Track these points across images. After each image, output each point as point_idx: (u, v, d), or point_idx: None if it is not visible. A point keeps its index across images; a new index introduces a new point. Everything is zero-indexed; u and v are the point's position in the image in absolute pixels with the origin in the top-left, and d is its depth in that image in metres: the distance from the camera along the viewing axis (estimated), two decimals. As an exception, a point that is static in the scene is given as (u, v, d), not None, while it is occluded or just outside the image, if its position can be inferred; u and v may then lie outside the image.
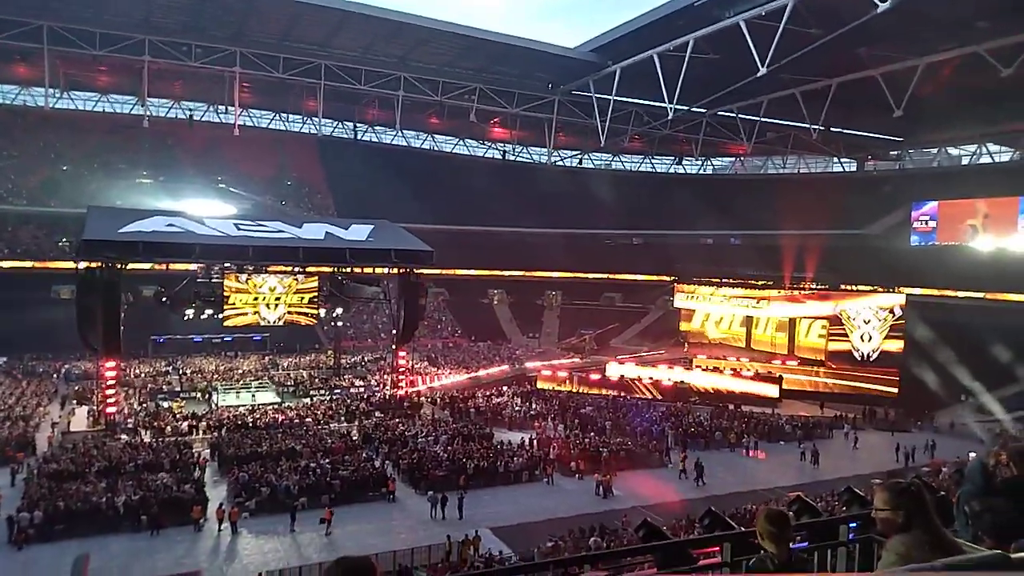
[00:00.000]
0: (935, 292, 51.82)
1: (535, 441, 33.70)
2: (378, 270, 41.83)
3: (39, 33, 49.72)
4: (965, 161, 70.24)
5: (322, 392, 42.77)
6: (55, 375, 45.02)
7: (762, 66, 43.89)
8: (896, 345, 44.98)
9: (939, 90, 51.93)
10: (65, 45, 51.11)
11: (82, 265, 33.91)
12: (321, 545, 22.61)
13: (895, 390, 44.18)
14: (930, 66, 48.21)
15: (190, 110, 67.31)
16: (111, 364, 33.98)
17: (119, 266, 33.06)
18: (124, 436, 32.25)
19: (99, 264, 32.74)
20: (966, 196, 59.03)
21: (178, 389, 42.35)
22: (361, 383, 45.54)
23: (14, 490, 25.59)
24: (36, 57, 52.30)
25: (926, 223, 61.32)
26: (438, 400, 42.71)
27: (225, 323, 38.80)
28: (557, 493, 28.69)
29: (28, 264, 49.99)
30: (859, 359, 45.87)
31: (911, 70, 48.53)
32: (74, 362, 45.84)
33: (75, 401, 39.16)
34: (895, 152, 75.38)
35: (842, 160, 77.43)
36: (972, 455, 19.30)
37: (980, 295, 51.66)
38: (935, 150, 72.65)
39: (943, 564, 2.19)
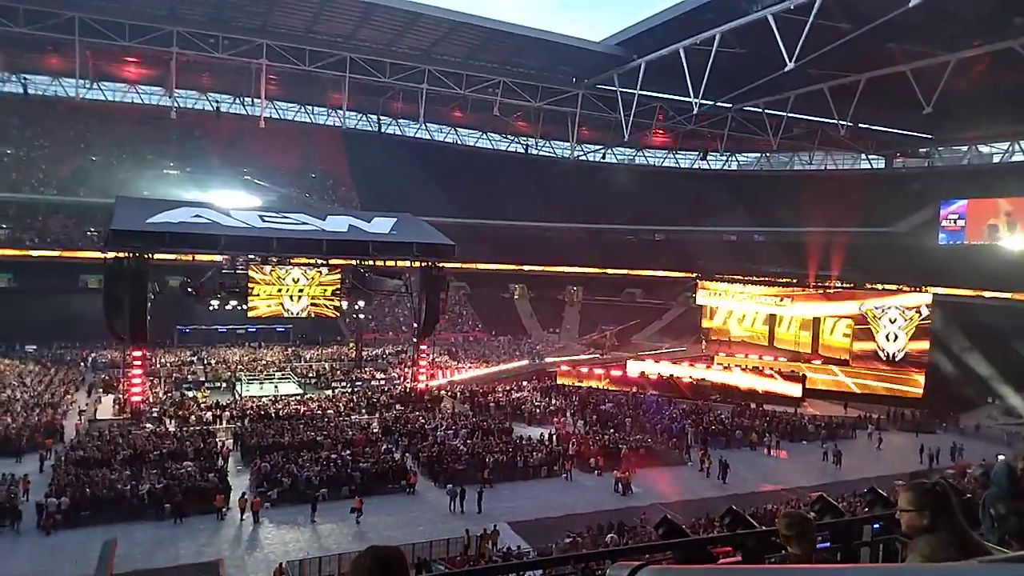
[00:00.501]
0: (962, 292, 50.89)
1: (554, 437, 33.62)
2: (400, 263, 41.98)
3: (70, 25, 50.68)
4: (997, 159, 68.96)
5: (344, 384, 42.97)
6: (82, 363, 45.64)
7: (790, 61, 43.45)
8: (922, 345, 44.12)
9: (971, 86, 51.06)
10: (95, 36, 52.06)
11: (110, 255, 34.43)
12: (341, 536, 22.78)
13: (920, 391, 43.39)
14: (962, 62, 47.40)
15: (217, 102, 68.10)
16: (138, 353, 34.42)
17: (146, 256, 33.43)
18: (149, 425, 32.64)
19: (127, 254, 33.10)
20: (997, 195, 57.91)
21: (203, 379, 42.79)
22: (382, 376, 45.74)
23: (42, 476, 26.02)
24: (67, 48, 53.28)
25: (955, 222, 60.33)
26: (458, 394, 42.68)
27: (249, 314, 39.10)
28: (576, 489, 28.65)
29: (57, 253, 50.75)
30: (884, 359, 45.12)
31: (942, 66, 47.75)
32: (101, 351, 46.49)
33: (101, 389, 39.71)
34: (924, 149, 74.14)
35: (870, 157, 76.36)
36: (1000, 457, 18.96)
37: (1008, 296, 50.70)
38: (965, 148, 71.38)
39: (979, 561, 2.16)
